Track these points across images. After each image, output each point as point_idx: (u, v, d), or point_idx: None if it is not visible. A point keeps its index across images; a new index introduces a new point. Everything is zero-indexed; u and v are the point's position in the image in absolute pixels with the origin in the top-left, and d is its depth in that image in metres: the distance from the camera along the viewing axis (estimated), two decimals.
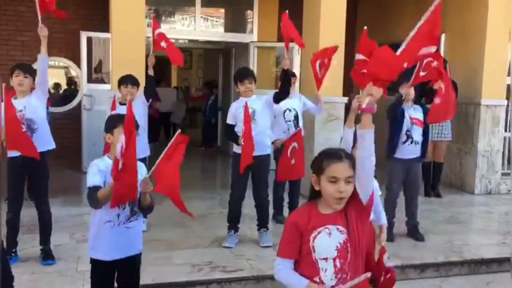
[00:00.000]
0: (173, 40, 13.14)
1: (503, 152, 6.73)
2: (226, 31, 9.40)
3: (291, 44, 8.05)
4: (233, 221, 4.37)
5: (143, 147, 4.27)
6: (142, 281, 2.88)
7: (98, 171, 2.60)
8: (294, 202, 5.04)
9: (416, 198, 4.68)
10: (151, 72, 4.69)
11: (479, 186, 6.58)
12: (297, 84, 5.59)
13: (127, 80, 4.46)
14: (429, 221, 5.13)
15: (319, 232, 2.05)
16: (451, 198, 6.31)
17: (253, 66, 7.75)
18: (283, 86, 4.26)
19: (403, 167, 4.54)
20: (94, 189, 2.56)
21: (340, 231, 2.06)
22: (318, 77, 4.70)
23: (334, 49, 4.56)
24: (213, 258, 3.99)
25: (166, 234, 4.54)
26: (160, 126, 10.69)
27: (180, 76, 15.95)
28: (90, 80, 7.40)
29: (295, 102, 4.95)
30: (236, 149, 4.31)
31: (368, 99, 1.94)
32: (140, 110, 4.39)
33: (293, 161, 4.38)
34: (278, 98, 4.28)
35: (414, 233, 4.63)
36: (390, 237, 4.50)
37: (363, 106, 1.96)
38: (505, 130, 6.72)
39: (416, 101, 4.73)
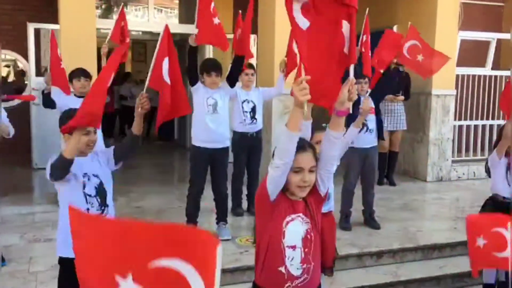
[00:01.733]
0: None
1: (453, 140, 6.97)
2: (180, 22, 9.25)
3: None
4: (192, 215, 4.32)
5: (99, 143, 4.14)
6: None
7: None
8: (253, 194, 5.03)
9: (372, 187, 4.78)
10: (104, 63, 4.56)
11: (431, 174, 6.79)
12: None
13: (80, 73, 4.32)
14: (385, 209, 5.26)
15: (292, 219, 2.07)
16: (405, 186, 6.48)
17: (210, 55, 7.67)
18: (234, 66, 4.38)
19: (360, 156, 4.62)
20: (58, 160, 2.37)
21: (304, 220, 2.08)
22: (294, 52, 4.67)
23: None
24: None
25: None
26: (114, 121, 10.45)
27: (134, 68, 15.62)
28: (39, 73, 7.12)
29: (254, 94, 4.94)
30: (195, 142, 4.26)
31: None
32: None
33: None
34: (230, 78, 4.37)
35: (370, 221, 4.73)
36: (347, 226, 4.59)
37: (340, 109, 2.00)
38: (455, 119, 6.95)
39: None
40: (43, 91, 4.31)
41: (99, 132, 4.19)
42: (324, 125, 3.08)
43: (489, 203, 3.66)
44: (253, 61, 6.98)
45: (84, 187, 2.51)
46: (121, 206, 3.98)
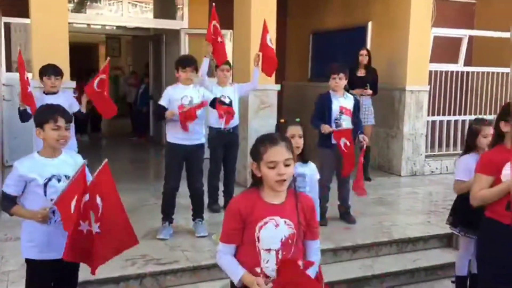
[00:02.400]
0: (100, 27, 12.64)
1: (427, 135, 7.08)
2: (155, 17, 9.13)
3: (223, 31, 7.97)
4: (168, 212, 4.29)
5: (72, 143, 4.06)
6: None
7: (18, 176, 2.43)
8: (229, 190, 5.03)
9: (347, 182, 4.81)
10: (84, 109, 4.53)
11: (405, 168, 6.89)
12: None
13: (50, 71, 4.22)
14: (360, 204, 5.30)
15: (265, 223, 2.05)
16: (380, 181, 6.56)
17: (185, 51, 7.61)
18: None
19: (333, 153, 4.64)
20: (8, 197, 2.44)
21: (288, 224, 2.07)
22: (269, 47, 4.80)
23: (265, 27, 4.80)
24: (147, 251, 3.89)
25: None
26: (87, 118, 10.27)
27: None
28: (9, 69, 6.94)
29: (229, 90, 4.93)
30: (170, 138, 4.22)
31: None
32: (69, 102, 4.27)
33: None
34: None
35: (346, 216, 4.77)
36: (323, 222, 4.61)
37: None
38: (428, 115, 7.06)
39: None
40: (18, 108, 4.22)
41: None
42: (297, 120, 3.10)
43: (462, 196, 3.71)
44: (229, 56, 6.98)
45: (45, 193, 2.44)
46: None
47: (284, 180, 2.02)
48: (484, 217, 2.78)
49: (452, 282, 3.82)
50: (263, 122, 5.72)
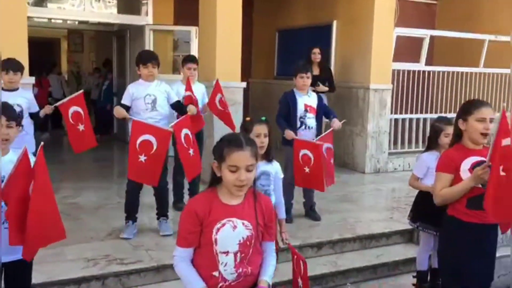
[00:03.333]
0: (61, 21, 12.28)
1: (390, 133, 7.21)
2: (119, 12, 8.96)
3: (187, 28, 7.92)
4: (131, 211, 4.22)
5: (29, 141, 3.93)
6: (33, 281, 2.69)
7: None
8: (194, 188, 4.98)
9: None
10: (42, 114, 4.39)
11: (369, 166, 7.00)
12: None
13: (8, 66, 4.07)
14: (325, 201, 5.36)
15: (223, 225, 2.01)
16: (345, 178, 6.64)
17: (149, 48, 7.49)
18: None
19: None
20: None
21: (245, 225, 2.04)
22: (226, 112, 4.89)
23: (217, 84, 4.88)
24: (110, 251, 3.82)
25: None
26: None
27: (70, 60, 15.02)
28: None
29: (196, 88, 4.90)
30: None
31: None
32: (29, 102, 4.19)
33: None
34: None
35: (311, 213, 4.81)
36: (289, 219, 4.63)
37: None
38: (391, 113, 7.19)
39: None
40: None
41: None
42: (263, 118, 3.10)
43: (422, 192, 3.80)
44: (194, 53, 6.92)
45: None
46: None
47: (243, 186, 2.00)
48: (446, 215, 2.85)
49: (414, 276, 3.91)
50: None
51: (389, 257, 4.29)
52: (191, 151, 4.04)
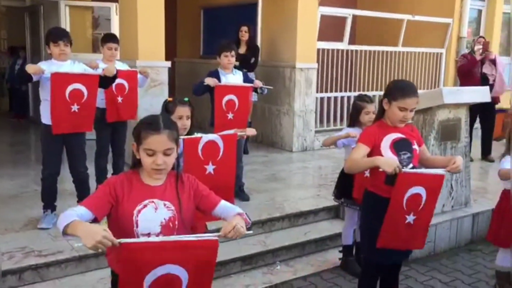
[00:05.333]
0: None
1: (316, 112, 7.33)
2: None
3: (107, 4, 7.53)
4: (49, 199, 3.97)
5: None
6: None
7: None
8: (119, 172, 4.78)
9: (240, 161, 4.82)
10: None
11: (296, 144, 7.09)
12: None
13: None
14: (253, 181, 5.36)
15: (144, 206, 1.95)
16: (273, 157, 6.69)
17: (66, 27, 7.04)
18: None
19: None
20: None
21: (167, 207, 1.99)
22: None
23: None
24: (27, 242, 3.58)
25: None
26: None
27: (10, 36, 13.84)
28: None
29: (119, 68, 4.64)
30: (45, 119, 3.87)
31: None
32: None
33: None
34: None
35: (240, 194, 4.77)
36: None
37: None
38: (317, 91, 7.30)
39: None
40: None
41: None
42: (186, 99, 2.99)
43: (342, 172, 3.88)
44: (115, 31, 6.60)
45: None
46: None
47: (161, 170, 1.95)
48: (366, 191, 2.93)
49: (340, 251, 4.02)
50: (153, 100, 5.49)
51: (316, 233, 4.38)
52: (119, 99, 4.42)
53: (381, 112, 2.89)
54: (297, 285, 3.73)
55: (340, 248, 4.03)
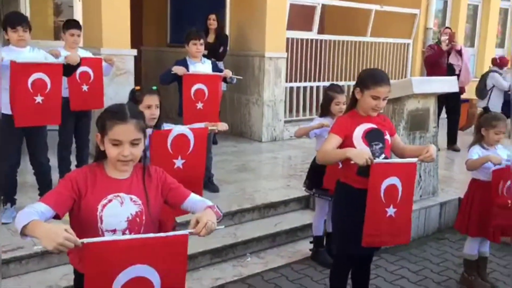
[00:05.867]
0: None
1: (285, 102, 7.28)
2: None
3: None
4: (8, 192, 3.79)
5: None
6: None
7: None
8: (82, 164, 4.61)
9: (209, 151, 4.73)
10: None
11: (265, 134, 7.03)
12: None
13: None
14: (223, 172, 5.28)
15: (109, 201, 1.85)
16: (242, 147, 6.61)
17: (26, 13, 6.74)
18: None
19: None
20: None
21: (133, 201, 1.89)
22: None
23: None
24: None
25: None
26: None
27: None
28: None
29: (82, 55, 4.46)
30: (5, 110, 3.67)
31: None
32: None
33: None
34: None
35: (209, 185, 4.69)
36: None
37: None
38: (286, 81, 7.25)
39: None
40: None
41: None
42: (154, 87, 2.88)
43: (314, 163, 3.85)
44: (78, 18, 6.36)
45: None
46: None
47: (128, 161, 1.85)
48: (338, 182, 2.89)
49: (311, 242, 4.00)
50: (119, 89, 5.33)
51: (287, 224, 4.34)
52: (84, 87, 4.22)
53: (353, 102, 2.85)
54: (268, 277, 3.68)
55: (311, 239, 4.00)
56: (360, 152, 2.58)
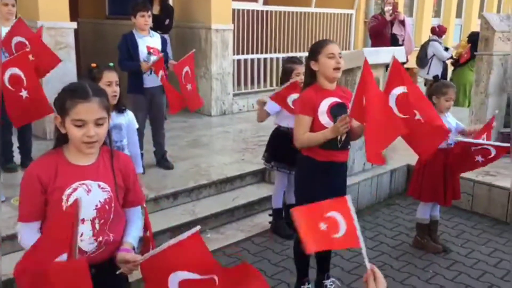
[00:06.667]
0: None
1: (233, 74, 7.19)
2: None
3: None
4: None
5: None
6: None
7: None
8: (26, 146, 4.38)
9: (162, 127, 4.61)
10: None
11: (215, 108, 6.94)
12: None
13: None
14: (175, 148, 5.17)
15: (74, 189, 1.73)
16: (192, 122, 6.50)
17: None
18: None
19: (146, 97, 4.38)
20: None
21: (102, 188, 1.78)
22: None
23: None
24: None
25: None
26: None
27: None
28: None
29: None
30: None
31: None
32: None
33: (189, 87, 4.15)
34: None
35: (163, 162, 4.60)
36: (141, 170, 4.35)
37: None
38: (234, 54, 7.14)
39: None
40: None
41: None
42: (111, 64, 2.74)
43: (275, 133, 3.84)
44: None
45: None
46: None
47: (94, 142, 1.73)
48: (301, 155, 2.89)
49: (270, 215, 4.02)
50: (60, 65, 5.02)
51: (244, 198, 4.34)
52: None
53: (312, 77, 2.83)
54: (229, 252, 3.68)
55: (269, 212, 4.03)
56: (335, 128, 2.61)
